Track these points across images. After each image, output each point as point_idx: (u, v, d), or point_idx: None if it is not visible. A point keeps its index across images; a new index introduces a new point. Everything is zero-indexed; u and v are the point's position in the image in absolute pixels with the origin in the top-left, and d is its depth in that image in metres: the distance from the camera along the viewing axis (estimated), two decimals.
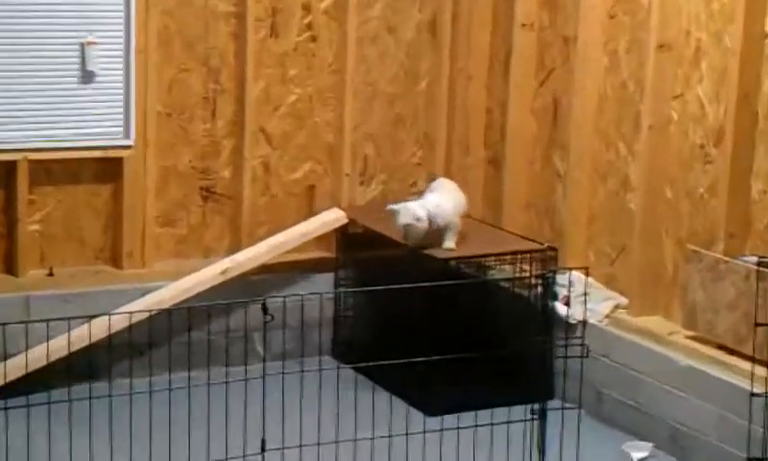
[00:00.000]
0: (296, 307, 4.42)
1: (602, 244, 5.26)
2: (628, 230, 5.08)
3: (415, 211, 5.00)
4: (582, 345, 4.30)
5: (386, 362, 4.14)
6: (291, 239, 5.48)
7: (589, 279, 4.84)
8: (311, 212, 5.66)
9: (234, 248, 5.50)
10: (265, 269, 5.46)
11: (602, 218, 5.25)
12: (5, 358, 4.64)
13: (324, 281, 5.58)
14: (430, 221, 5.02)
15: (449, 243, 5.07)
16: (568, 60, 5.37)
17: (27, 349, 4.39)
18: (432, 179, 5.61)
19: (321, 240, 5.62)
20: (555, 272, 4.78)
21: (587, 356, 4.27)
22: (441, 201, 5.13)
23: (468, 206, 5.40)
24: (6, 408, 3.92)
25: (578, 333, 4.67)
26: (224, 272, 5.29)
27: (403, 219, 5.01)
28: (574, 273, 4.86)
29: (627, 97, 5.10)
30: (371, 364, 4.27)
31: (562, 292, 4.91)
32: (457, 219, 5.13)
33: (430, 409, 4.76)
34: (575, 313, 4.90)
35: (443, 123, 5.89)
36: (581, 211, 5.32)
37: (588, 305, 4.78)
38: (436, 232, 5.05)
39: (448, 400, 4.77)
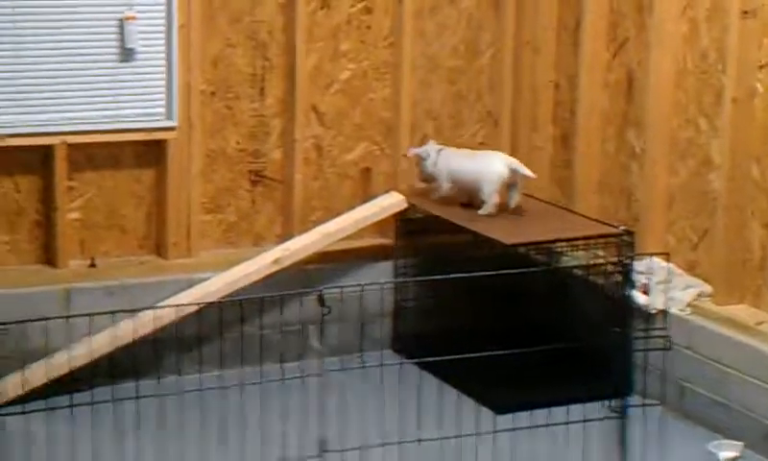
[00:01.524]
0: (353, 298, 4.40)
1: (682, 227, 5.19)
2: (710, 212, 5.02)
3: (426, 149, 5.52)
4: (664, 336, 4.25)
5: (451, 357, 4.11)
6: (346, 226, 5.46)
7: (670, 266, 4.78)
8: (367, 196, 5.63)
9: (286, 235, 5.49)
10: (318, 258, 5.43)
11: (682, 199, 5.19)
12: (46, 355, 4.65)
13: (382, 271, 5.55)
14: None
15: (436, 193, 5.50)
16: (644, 29, 5.30)
17: (69, 345, 4.39)
18: None
19: (378, 226, 5.59)
20: (633, 258, 4.73)
21: (669, 349, 4.22)
22: (450, 158, 5.41)
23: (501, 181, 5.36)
24: (48, 409, 3.92)
25: (659, 324, 4.62)
26: (275, 261, 5.27)
27: (416, 149, 5.55)
28: (654, 259, 4.80)
29: (708, 68, 5.03)
30: (435, 359, 4.24)
31: (640, 280, 4.86)
32: (447, 182, 5.39)
33: (500, 407, 4.72)
34: (655, 302, 4.85)
35: (507, 99, 5.85)
36: (659, 193, 5.26)
37: (669, 294, 4.73)
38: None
39: (520, 397, 4.73)
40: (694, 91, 5.10)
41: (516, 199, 5.34)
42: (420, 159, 5.51)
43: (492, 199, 5.27)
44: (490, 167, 5.32)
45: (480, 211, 5.28)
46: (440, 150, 5.49)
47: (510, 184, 5.32)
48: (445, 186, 5.42)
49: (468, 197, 5.38)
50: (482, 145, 5.84)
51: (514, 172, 5.29)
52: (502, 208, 5.29)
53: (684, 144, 5.17)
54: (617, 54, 5.48)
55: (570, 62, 5.67)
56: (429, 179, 5.50)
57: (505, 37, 5.81)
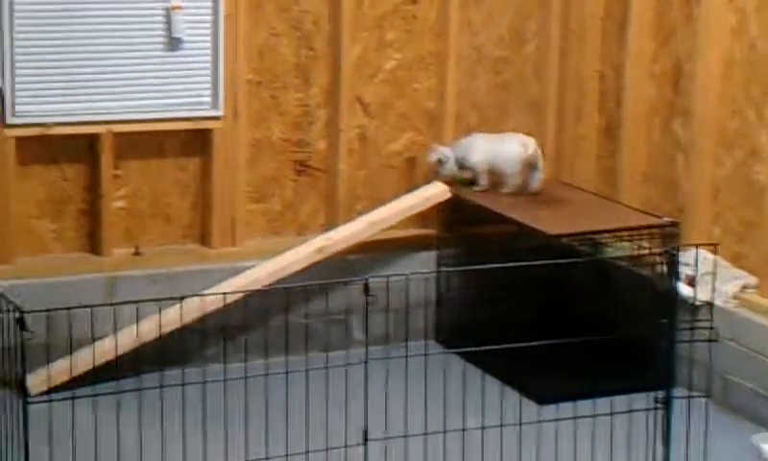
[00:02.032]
0: (397, 288, 4.41)
1: (728, 219, 5.18)
2: (757, 204, 5.01)
3: (442, 150, 5.56)
4: (710, 328, 4.24)
5: (495, 348, 4.12)
6: (390, 215, 5.48)
7: (716, 257, 4.76)
8: (411, 186, 5.65)
9: (330, 225, 5.52)
10: (362, 247, 5.46)
11: (728, 191, 5.18)
12: (93, 342, 4.69)
13: (424, 261, 5.57)
14: (460, 164, 5.53)
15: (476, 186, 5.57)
16: (691, 19, 5.29)
17: (115, 332, 4.44)
18: None
19: (422, 216, 5.61)
20: (678, 249, 4.71)
21: (716, 340, 4.21)
22: (476, 148, 5.52)
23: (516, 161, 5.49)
24: (95, 395, 3.97)
25: (704, 316, 4.60)
26: (319, 250, 5.30)
27: (433, 156, 5.56)
28: (699, 250, 4.78)
29: (756, 59, 5.01)
30: (478, 349, 4.25)
31: (685, 271, 4.84)
32: (483, 168, 5.49)
33: (544, 397, 4.73)
34: (700, 294, 4.84)
35: (552, 89, 5.85)
36: (705, 184, 5.25)
37: (714, 285, 4.71)
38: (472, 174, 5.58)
39: (563, 388, 4.73)
40: (742, 82, 5.09)
41: (538, 180, 5.39)
42: (439, 163, 5.56)
43: (512, 179, 5.34)
44: (509, 150, 5.41)
45: (503, 190, 5.40)
46: (454, 146, 5.56)
47: (530, 166, 5.36)
48: (483, 178, 5.50)
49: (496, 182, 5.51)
50: (527, 135, 5.83)
51: (532, 153, 5.34)
52: (523, 190, 5.44)
53: (731, 135, 5.15)
54: (664, 44, 5.47)
55: (616, 52, 5.66)
56: (450, 178, 5.56)
57: (551, 27, 5.81)
